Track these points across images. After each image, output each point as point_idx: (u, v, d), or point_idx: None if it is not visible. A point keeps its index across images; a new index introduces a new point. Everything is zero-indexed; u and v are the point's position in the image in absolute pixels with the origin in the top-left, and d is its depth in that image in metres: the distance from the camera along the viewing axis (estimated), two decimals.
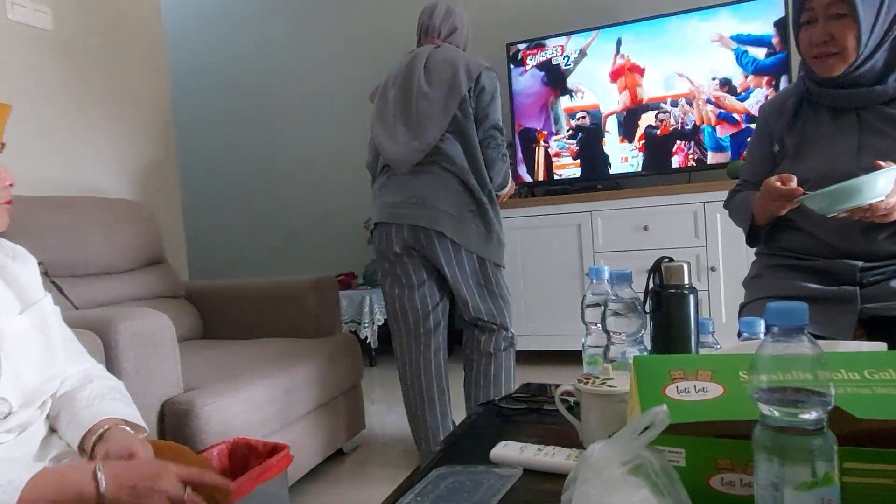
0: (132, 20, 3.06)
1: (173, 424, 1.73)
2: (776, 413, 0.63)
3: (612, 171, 3.79)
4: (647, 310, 1.10)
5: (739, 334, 1.19)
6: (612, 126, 3.76)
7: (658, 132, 3.67)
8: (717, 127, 3.55)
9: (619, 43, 3.67)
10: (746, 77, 3.47)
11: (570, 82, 3.82)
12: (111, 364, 1.57)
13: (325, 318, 2.57)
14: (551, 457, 0.97)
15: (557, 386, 1.10)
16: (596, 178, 3.81)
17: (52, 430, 1.19)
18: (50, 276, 2.12)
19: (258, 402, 1.93)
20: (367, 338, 3.90)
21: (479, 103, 2.23)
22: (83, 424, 1.13)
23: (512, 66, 3.90)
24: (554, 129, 3.88)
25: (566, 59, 3.78)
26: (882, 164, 1.34)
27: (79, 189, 2.69)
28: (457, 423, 2.08)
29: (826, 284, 1.54)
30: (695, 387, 0.78)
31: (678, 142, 3.64)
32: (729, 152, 3.54)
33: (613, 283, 1.12)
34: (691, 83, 3.58)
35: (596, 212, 3.56)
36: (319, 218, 4.84)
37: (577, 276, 3.61)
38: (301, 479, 2.20)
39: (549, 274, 3.67)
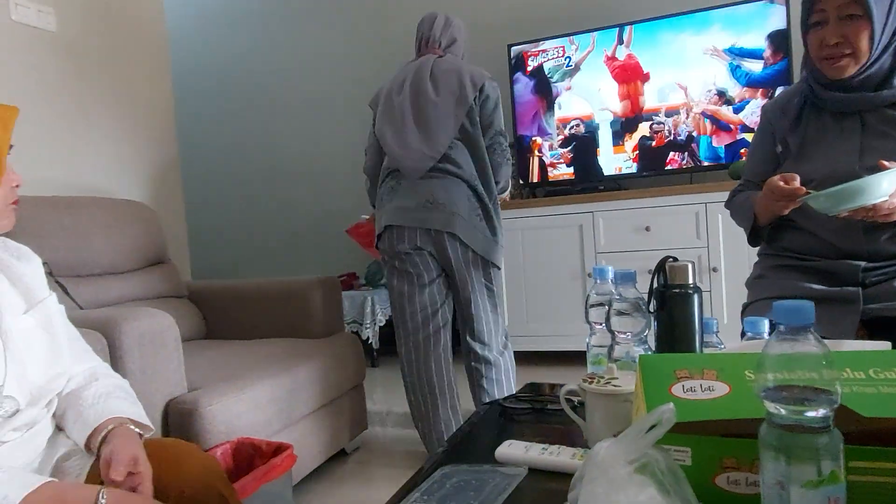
0: (135, 21, 3.07)
1: (177, 424, 1.73)
2: (782, 411, 0.63)
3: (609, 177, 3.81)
4: (652, 309, 1.10)
5: (743, 334, 1.19)
6: (605, 136, 3.78)
7: (653, 143, 3.69)
8: (713, 136, 3.56)
9: (621, 38, 3.68)
10: (742, 88, 3.49)
11: (564, 93, 3.83)
12: (116, 364, 1.57)
13: (327, 318, 2.57)
14: (556, 456, 0.98)
15: (561, 386, 1.11)
16: (597, 179, 3.81)
17: (59, 428, 1.19)
18: (54, 276, 2.13)
19: (261, 401, 1.94)
20: (368, 338, 3.90)
21: (484, 111, 2.32)
22: (89, 423, 1.13)
23: (513, 66, 3.90)
24: (547, 138, 3.90)
25: (567, 59, 3.78)
26: (886, 164, 1.34)
27: (82, 189, 2.69)
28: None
29: (829, 285, 1.54)
30: (700, 386, 0.78)
31: (672, 153, 3.66)
32: (724, 162, 3.55)
33: (618, 282, 1.12)
34: (686, 94, 3.59)
35: (597, 212, 3.56)
36: (321, 218, 4.84)
37: (579, 276, 3.61)
38: (304, 478, 2.20)
39: (551, 275, 3.67)
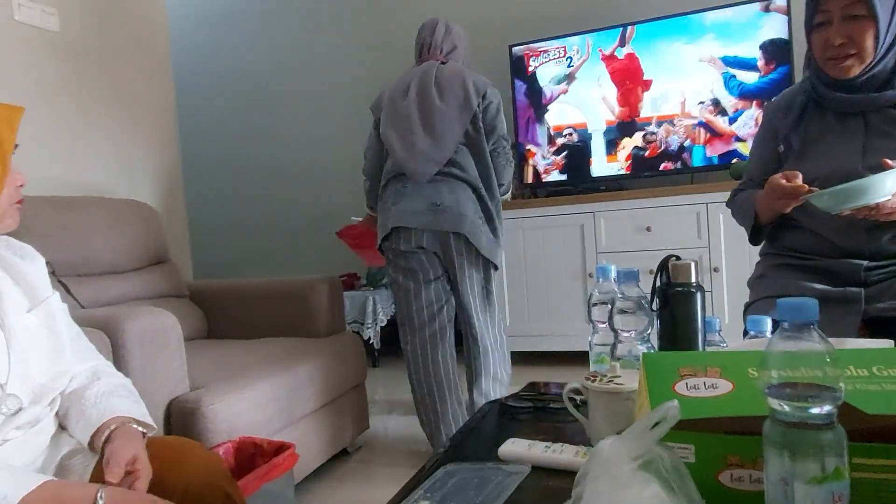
0: (137, 21, 3.07)
1: (180, 423, 1.73)
2: (786, 408, 0.63)
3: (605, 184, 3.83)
4: (655, 308, 1.10)
5: (745, 333, 1.19)
6: (598, 145, 3.79)
7: (646, 153, 3.70)
8: (707, 146, 3.58)
9: (623, 39, 3.68)
10: (735, 100, 3.50)
11: (559, 97, 3.84)
12: (118, 362, 1.58)
13: (328, 317, 2.57)
14: (559, 454, 0.98)
15: (563, 384, 1.11)
16: (598, 179, 3.81)
17: (62, 427, 1.19)
18: (56, 276, 2.13)
19: (263, 401, 1.94)
20: (370, 338, 3.90)
21: (487, 117, 2.40)
22: (92, 422, 1.13)
23: (514, 66, 3.90)
24: (540, 145, 3.91)
25: (569, 59, 3.78)
26: (890, 163, 1.34)
27: (83, 189, 2.70)
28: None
29: (830, 284, 1.54)
30: (704, 383, 0.79)
31: (665, 162, 3.69)
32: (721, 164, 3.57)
33: (620, 281, 1.12)
34: (681, 104, 3.60)
35: (598, 213, 3.56)
36: (322, 218, 4.84)
37: (580, 276, 3.62)
38: (306, 478, 2.20)
39: (552, 275, 3.67)
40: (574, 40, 3.77)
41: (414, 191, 2.37)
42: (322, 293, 2.56)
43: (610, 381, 0.98)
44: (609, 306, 1.13)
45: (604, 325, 1.19)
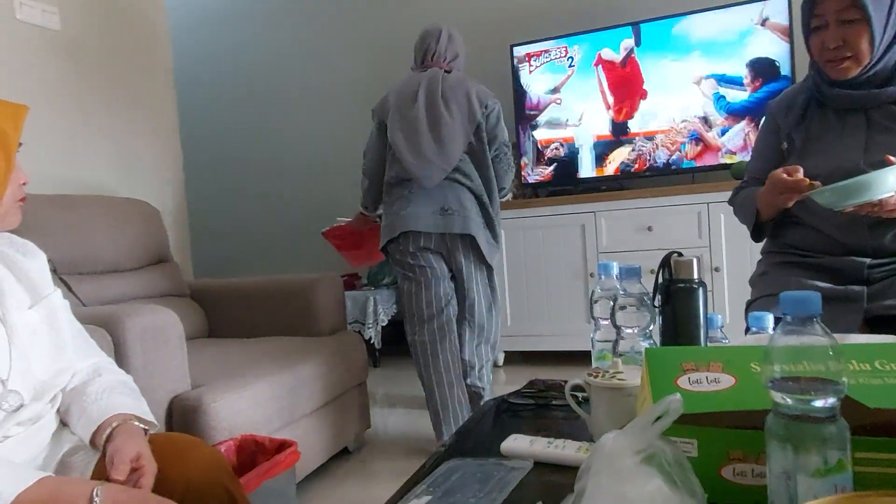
0: (138, 20, 3.08)
1: (181, 420, 1.73)
2: (789, 401, 0.63)
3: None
4: (657, 304, 1.10)
5: (747, 331, 1.20)
6: (586, 158, 3.81)
7: (634, 167, 3.73)
8: (696, 160, 3.60)
9: (618, 43, 3.68)
10: (723, 118, 3.54)
11: (549, 107, 3.86)
12: (120, 360, 1.58)
13: (330, 316, 2.57)
14: (562, 449, 0.98)
15: (565, 382, 1.11)
16: (599, 179, 3.81)
17: (64, 423, 1.19)
18: (58, 274, 2.13)
19: (264, 399, 1.94)
20: (371, 338, 3.90)
21: (489, 126, 2.54)
22: (93, 419, 1.13)
23: (516, 65, 3.90)
24: (529, 160, 3.94)
25: (570, 59, 3.78)
26: (893, 159, 1.34)
27: (84, 187, 2.70)
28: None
29: (833, 282, 1.54)
30: (706, 378, 0.79)
31: (654, 177, 3.74)
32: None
33: (623, 277, 1.12)
34: (670, 118, 3.63)
35: (599, 212, 3.56)
36: (324, 217, 4.80)
37: (581, 276, 3.61)
38: (307, 476, 2.20)
39: (553, 274, 3.67)
40: (575, 41, 3.78)
41: (421, 196, 2.49)
42: (323, 292, 2.56)
43: (612, 377, 0.98)
44: (611, 303, 1.13)
45: (606, 322, 1.19)
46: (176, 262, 2.80)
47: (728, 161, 3.51)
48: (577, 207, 3.61)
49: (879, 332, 1.47)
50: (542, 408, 1.29)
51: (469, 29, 4.21)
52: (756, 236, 1.72)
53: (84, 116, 2.75)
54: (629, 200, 3.51)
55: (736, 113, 3.50)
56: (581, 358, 2.88)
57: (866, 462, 0.68)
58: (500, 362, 3.82)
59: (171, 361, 1.75)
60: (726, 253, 3.31)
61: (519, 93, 3.91)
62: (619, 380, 0.97)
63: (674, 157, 3.63)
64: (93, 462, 1.13)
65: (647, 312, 1.09)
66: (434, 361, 2.54)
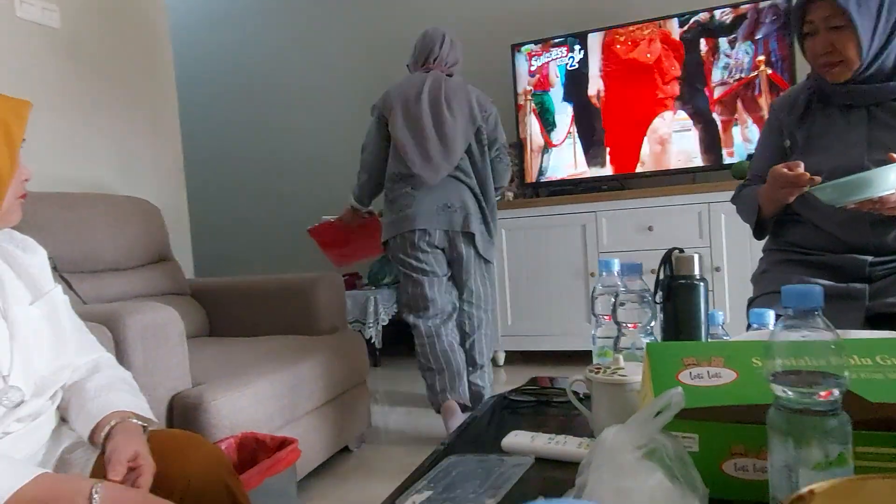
0: (138, 18, 3.08)
1: (182, 418, 1.73)
2: (791, 394, 0.63)
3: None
4: (658, 300, 1.10)
5: (748, 328, 1.20)
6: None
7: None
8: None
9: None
10: None
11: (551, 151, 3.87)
12: (120, 357, 1.57)
13: (330, 314, 2.57)
14: (563, 445, 0.98)
15: (565, 379, 1.11)
16: (600, 179, 3.81)
17: (63, 420, 1.19)
18: (58, 272, 2.13)
19: (265, 397, 1.94)
20: (371, 338, 3.89)
21: (488, 128, 2.70)
22: (92, 417, 1.13)
23: (517, 65, 3.90)
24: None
25: (571, 59, 3.78)
26: (895, 156, 1.34)
27: (85, 186, 2.70)
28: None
29: (834, 279, 1.54)
30: (708, 372, 0.79)
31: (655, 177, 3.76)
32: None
33: (624, 274, 1.12)
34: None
35: (600, 212, 3.56)
36: (325, 215, 4.83)
37: (582, 276, 3.61)
38: (308, 475, 2.20)
39: (554, 274, 3.67)
40: (577, 41, 3.78)
41: (425, 193, 2.61)
42: (324, 291, 2.56)
43: (613, 373, 0.98)
44: (612, 299, 1.13)
45: (607, 319, 1.19)
46: (176, 260, 2.80)
47: (729, 161, 3.51)
48: (577, 207, 3.60)
49: (881, 330, 1.48)
50: (542, 405, 1.29)
51: (470, 28, 4.23)
52: (758, 234, 1.72)
53: (84, 115, 2.75)
54: (630, 200, 3.51)
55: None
56: (582, 358, 2.88)
57: (868, 456, 0.68)
58: (501, 362, 3.82)
59: (172, 359, 1.75)
60: (727, 253, 3.31)
61: (520, 92, 3.91)
62: (620, 376, 0.97)
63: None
64: (92, 459, 1.12)
65: (648, 309, 1.09)
66: (441, 343, 2.67)
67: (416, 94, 2.64)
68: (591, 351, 1.27)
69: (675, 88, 3.61)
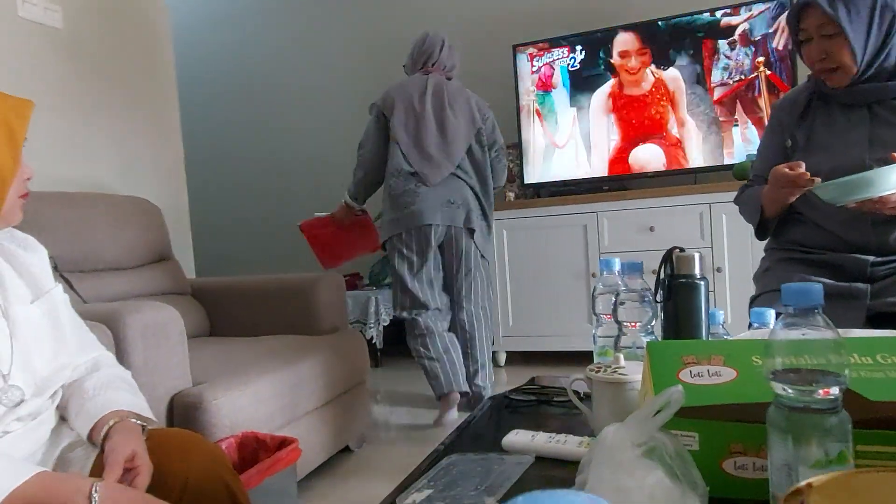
0: (140, 18, 3.08)
1: (182, 417, 1.73)
2: (790, 392, 0.63)
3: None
4: (659, 299, 1.10)
5: (750, 327, 1.19)
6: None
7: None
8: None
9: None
10: None
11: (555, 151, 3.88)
12: (121, 357, 1.57)
13: (331, 314, 2.57)
14: (563, 444, 0.98)
15: (565, 378, 1.11)
16: (601, 180, 3.80)
17: (63, 419, 1.19)
18: (59, 271, 2.13)
19: (265, 396, 1.93)
20: (372, 338, 3.89)
21: (487, 131, 2.82)
22: (91, 416, 1.12)
23: (519, 65, 3.90)
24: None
25: (572, 59, 3.78)
26: None
27: (86, 185, 2.70)
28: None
29: (836, 279, 1.54)
30: (708, 371, 0.79)
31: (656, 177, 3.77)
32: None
33: (625, 273, 1.12)
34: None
35: (601, 212, 3.55)
36: None
37: (583, 276, 3.61)
38: (308, 475, 2.19)
39: (555, 274, 3.66)
40: (578, 41, 3.77)
41: (427, 191, 2.68)
42: (325, 290, 2.56)
43: (614, 372, 0.98)
44: (613, 298, 1.13)
45: (608, 318, 1.19)
46: (177, 260, 2.80)
47: (729, 161, 3.51)
48: (578, 208, 3.60)
49: (882, 329, 1.48)
50: (542, 404, 1.29)
51: (471, 28, 4.24)
52: (760, 234, 1.72)
53: (85, 114, 2.75)
54: (631, 201, 3.51)
55: None
56: (582, 358, 2.87)
57: (868, 455, 0.68)
58: (502, 363, 3.82)
59: (172, 358, 1.75)
60: (728, 253, 3.31)
61: (521, 92, 3.91)
62: (620, 375, 0.97)
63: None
64: (91, 457, 1.12)
65: (649, 308, 1.09)
66: (440, 338, 2.77)
67: (419, 94, 2.72)
68: (591, 351, 1.27)
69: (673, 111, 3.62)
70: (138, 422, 1.14)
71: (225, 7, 5.12)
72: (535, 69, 3.87)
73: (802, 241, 1.63)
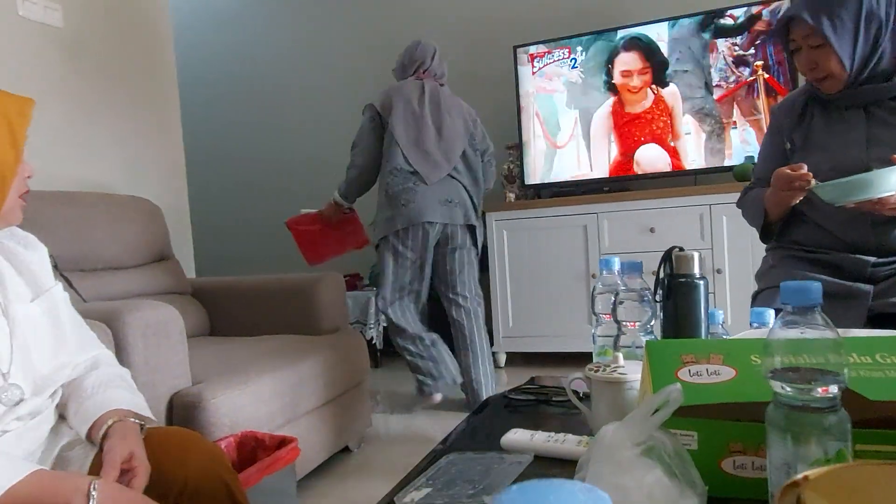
0: (140, 17, 3.08)
1: (182, 416, 1.73)
2: (789, 390, 0.63)
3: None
4: (658, 299, 1.10)
5: (750, 326, 1.19)
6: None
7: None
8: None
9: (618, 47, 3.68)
10: None
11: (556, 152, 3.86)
12: (120, 356, 1.57)
13: (331, 314, 2.57)
14: (562, 443, 0.98)
15: (564, 378, 1.11)
16: (601, 181, 3.80)
17: (62, 417, 1.19)
18: (59, 270, 2.13)
19: (265, 396, 1.93)
20: (372, 338, 3.89)
21: (478, 136, 2.96)
22: (89, 414, 1.12)
23: (519, 67, 3.90)
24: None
25: (573, 60, 3.78)
26: None
27: (86, 185, 2.70)
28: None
29: (837, 278, 1.54)
30: (707, 370, 0.78)
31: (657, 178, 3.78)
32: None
33: (624, 273, 1.12)
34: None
35: (602, 213, 3.55)
36: None
37: (583, 277, 3.61)
38: (307, 475, 2.19)
39: (555, 275, 3.66)
40: (579, 42, 3.77)
41: (426, 189, 2.73)
42: (325, 291, 2.56)
43: (613, 372, 0.98)
44: (612, 298, 1.12)
45: (607, 317, 1.19)
46: (177, 259, 2.80)
47: (729, 163, 3.51)
48: (579, 209, 3.60)
49: (883, 329, 1.48)
50: (541, 403, 1.29)
51: (472, 29, 4.24)
52: (765, 237, 1.73)
53: (86, 114, 2.75)
54: (631, 202, 3.50)
55: None
56: (582, 359, 2.86)
57: (867, 454, 0.68)
58: (502, 363, 3.82)
59: (172, 357, 1.75)
60: (728, 255, 3.30)
61: (522, 94, 3.91)
62: (619, 374, 0.97)
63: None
64: (90, 456, 1.12)
65: (648, 307, 1.09)
66: (427, 332, 2.91)
67: (417, 96, 2.79)
68: (591, 352, 1.27)
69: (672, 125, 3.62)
70: (137, 421, 1.14)
71: (225, 7, 5.12)
72: (535, 70, 3.87)
73: (804, 240, 1.63)
